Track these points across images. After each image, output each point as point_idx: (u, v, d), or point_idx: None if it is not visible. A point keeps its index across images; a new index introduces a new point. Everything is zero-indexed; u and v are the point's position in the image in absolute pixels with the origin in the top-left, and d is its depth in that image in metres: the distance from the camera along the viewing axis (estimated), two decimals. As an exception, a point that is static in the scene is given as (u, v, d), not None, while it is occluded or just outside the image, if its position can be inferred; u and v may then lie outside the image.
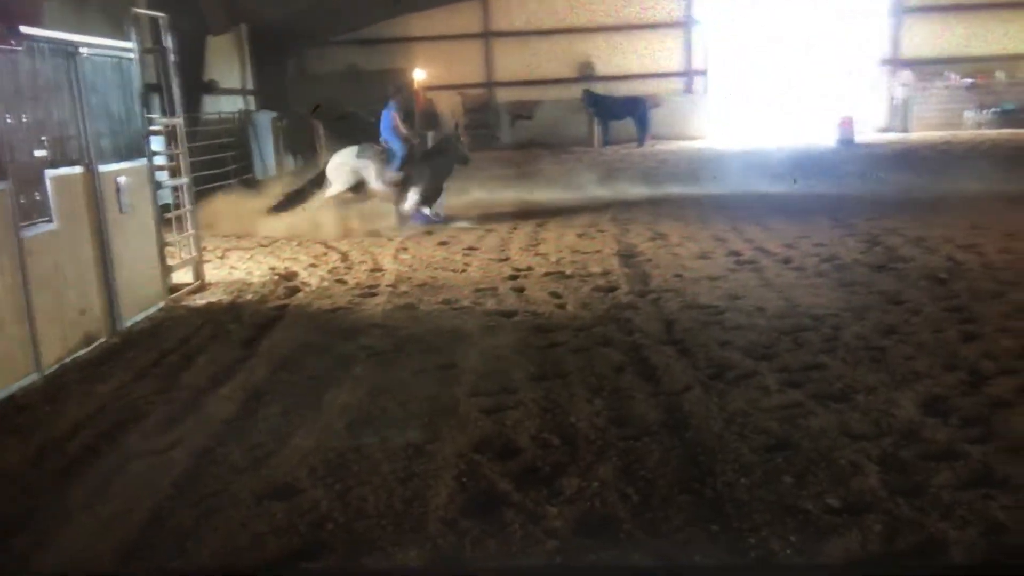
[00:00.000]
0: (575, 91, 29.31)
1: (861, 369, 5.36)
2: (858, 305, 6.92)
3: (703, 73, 31.00)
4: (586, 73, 30.71)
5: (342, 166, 12.84)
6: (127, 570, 3.53)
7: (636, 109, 28.40)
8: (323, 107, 22.03)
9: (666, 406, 4.87)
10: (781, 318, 6.65)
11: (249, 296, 8.42)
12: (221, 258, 10.52)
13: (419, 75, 26.12)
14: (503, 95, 31.10)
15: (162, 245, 8.28)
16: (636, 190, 15.43)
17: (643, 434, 4.48)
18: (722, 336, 6.22)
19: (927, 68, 29.69)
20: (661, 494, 3.85)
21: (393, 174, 12.66)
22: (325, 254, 10.49)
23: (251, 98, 24.22)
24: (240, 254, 10.76)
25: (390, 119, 12.89)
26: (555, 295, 7.84)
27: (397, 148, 12.72)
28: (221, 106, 21.24)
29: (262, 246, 11.24)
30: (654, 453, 4.25)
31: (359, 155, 12.81)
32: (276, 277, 9.25)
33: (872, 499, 3.71)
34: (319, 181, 13.15)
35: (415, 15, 29.91)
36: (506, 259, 9.75)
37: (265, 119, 21.57)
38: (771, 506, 3.69)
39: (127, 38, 7.82)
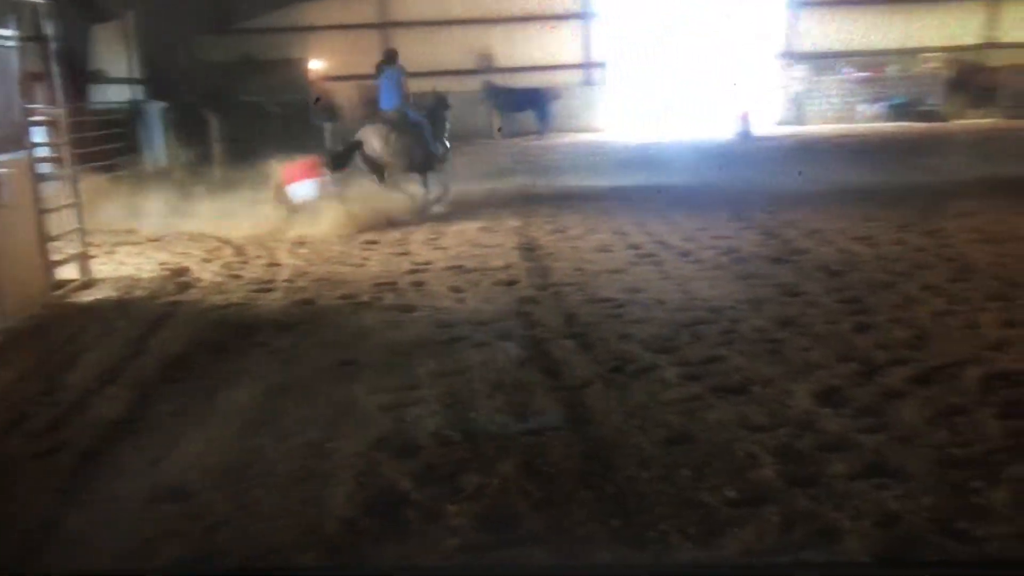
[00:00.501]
0: (476, 83, 29.32)
1: (758, 361, 5.46)
2: (756, 297, 7.05)
3: (602, 65, 31.24)
4: (486, 65, 30.70)
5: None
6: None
7: (537, 101, 28.57)
8: (217, 96, 21.63)
9: (567, 401, 4.89)
10: (681, 311, 6.74)
11: (139, 292, 8.21)
12: (109, 253, 10.23)
13: (316, 65, 25.82)
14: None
15: (45, 240, 8.02)
16: (538, 183, 15.47)
17: (545, 429, 4.50)
18: (623, 329, 6.28)
19: (822, 62, 30.46)
20: (562, 490, 3.86)
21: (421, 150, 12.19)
22: (219, 248, 10.29)
23: (140, 88, 23.63)
24: (129, 249, 10.48)
25: (401, 83, 12.38)
26: (456, 289, 7.82)
27: (417, 116, 12.32)
28: (109, 96, 20.68)
29: (152, 241, 10.96)
30: (556, 448, 4.27)
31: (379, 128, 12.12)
32: (167, 273, 9.03)
33: (769, 490, 3.78)
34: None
35: (311, 4, 29.53)
36: (406, 253, 9.70)
37: (155, 109, 21.07)
38: (671, 499, 3.73)
39: (4, 25, 7.56)
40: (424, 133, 12.46)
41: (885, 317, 6.34)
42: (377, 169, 12.32)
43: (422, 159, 12.49)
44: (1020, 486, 3.72)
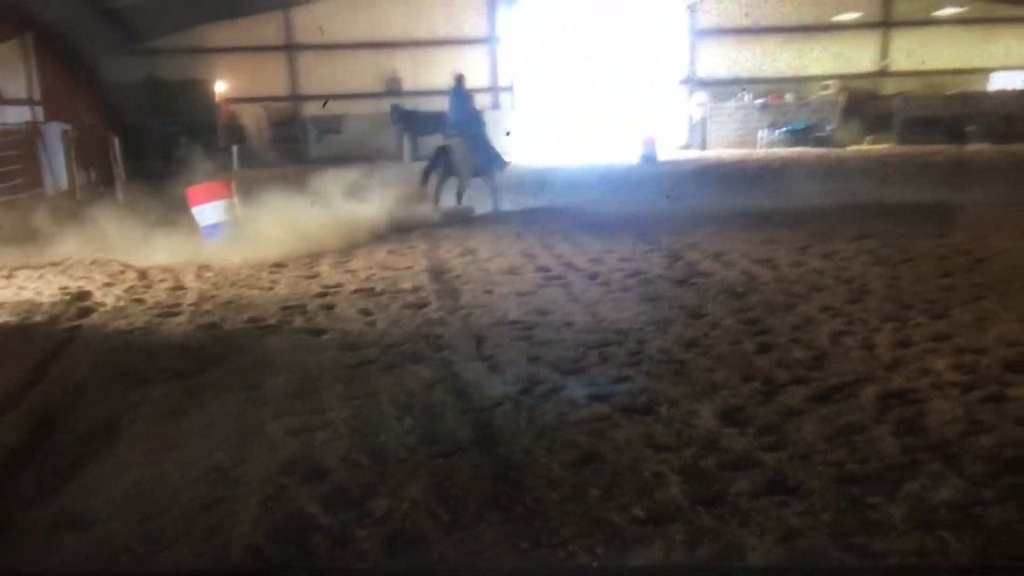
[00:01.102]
0: (383, 105, 29.29)
1: (664, 382, 5.52)
2: (662, 319, 7.14)
3: (509, 89, 31.50)
4: (393, 88, 30.74)
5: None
6: None
7: (445, 124, 28.56)
8: (121, 117, 21.22)
9: (476, 423, 4.89)
10: (588, 333, 6.80)
11: (38, 318, 7.99)
12: (8, 278, 9.95)
13: (222, 87, 25.51)
14: (311, 108, 30.75)
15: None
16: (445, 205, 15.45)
17: (454, 451, 4.49)
18: (531, 351, 6.31)
19: (723, 88, 31.22)
20: (471, 512, 3.86)
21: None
22: (122, 272, 10.07)
23: (39, 109, 23.02)
24: (29, 273, 10.18)
25: (468, 101, 15.08)
26: (365, 312, 7.78)
27: (481, 131, 15.09)
28: (7, 117, 20.11)
29: (53, 265, 10.66)
30: (465, 470, 4.26)
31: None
32: (68, 297, 8.80)
33: (675, 509, 3.82)
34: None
35: (217, 25, 29.20)
36: (315, 276, 9.61)
37: (55, 131, 20.55)
38: (579, 519, 3.75)
39: None
40: (485, 144, 15.26)
41: (785, 338, 6.47)
42: (451, 174, 14.44)
43: (484, 165, 15.02)
44: (916, 502, 3.82)
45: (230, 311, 8.04)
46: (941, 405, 4.95)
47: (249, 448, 4.63)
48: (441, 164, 14.38)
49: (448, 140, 14.77)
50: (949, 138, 27.52)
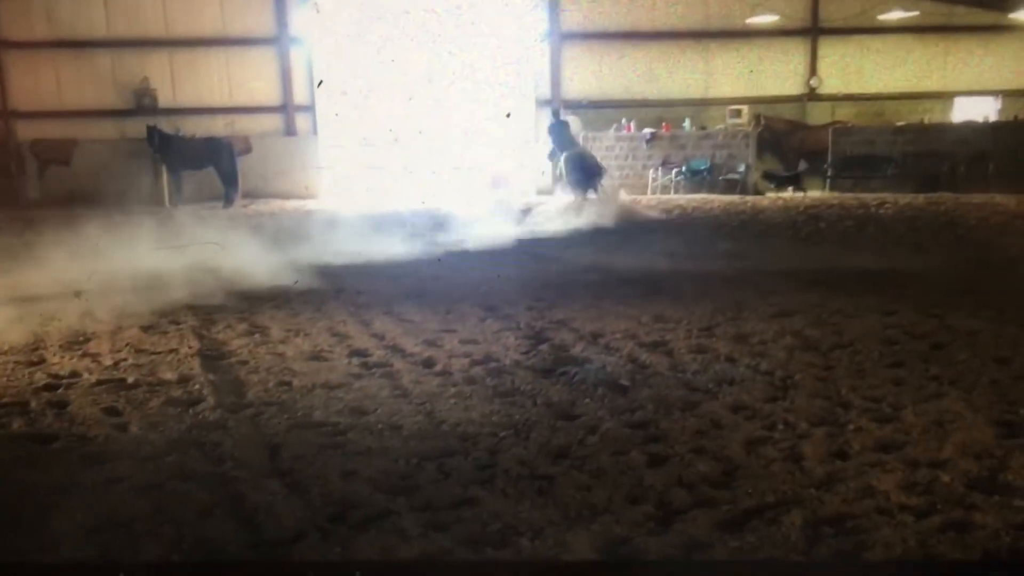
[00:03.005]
0: (132, 128, 28.69)
1: (525, 504, 5.64)
2: (520, 421, 7.27)
3: (309, 109, 31.21)
4: (145, 103, 30.06)
5: None
6: None
7: (218, 155, 27.99)
8: None
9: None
10: (422, 439, 6.88)
11: None
12: None
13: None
14: (26, 131, 30.00)
15: None
16: (225, 266, 15.38)
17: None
18: (345, 464, 6.35)
19: (598, 113, 31.43)
20: None
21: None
22: None
23: None
24: None
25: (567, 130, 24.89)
26: (113, 412, 7.70)
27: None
28: None
29: None
30: (256, 625, 4.30)
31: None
32: None
33: None
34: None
35: None
36: (40, 362, 9.46)
37: None
38: None
39: None
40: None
41: (686, 446, 6.64)
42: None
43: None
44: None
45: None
46: (888, 535, 5.13)
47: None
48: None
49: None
50: (897, 183, 28.32)
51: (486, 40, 31.31)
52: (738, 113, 31.75)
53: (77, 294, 12.56)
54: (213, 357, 9.57)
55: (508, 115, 30.81)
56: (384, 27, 30.74)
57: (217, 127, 29.49)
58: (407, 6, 30.77)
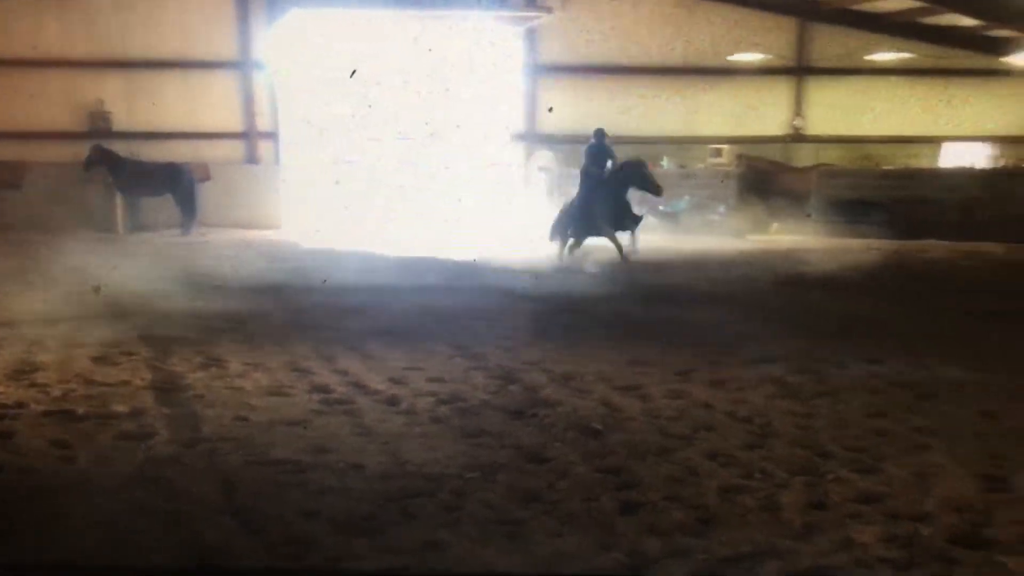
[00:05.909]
0: (85, 151, 28.52)
1: (491, 549, 5.65)
2: (488, 463, 7.28)
3: (272, 136, 31.11)
4: (99, 125, 29.93)
5: None
6: None
7: (176, 181, 27.90)
8: None
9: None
10: (385, 479, 6.88)
11: None
12: None
13: None
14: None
15: None
16: (180, 297, 15.37)
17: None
18: (305, 504, 6.35)
19: (574, 148, 31.35)
20: None
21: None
22: None
23: None
24: None
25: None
26: (61, 445, 7.67)
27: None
28: None
29: None
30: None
31: None
32: None
33: None
34: None
35: None
36: (-17, 391, 9.44)
37: None
38: None
39: None
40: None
41: (660, 493, 6.65)
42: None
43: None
44: None
45: None
46: (867, 588, 5.18)
47: None
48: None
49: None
50: (884, 229, 28.37)
51: (462, 75, 31.09)
52: (719, 152, 31.80)
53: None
54: (167, 390, 9.54)
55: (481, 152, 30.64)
56: (358, 53, 30.46)
57: (176, 152, 29.34)
58: (383, 39, 30.47)
